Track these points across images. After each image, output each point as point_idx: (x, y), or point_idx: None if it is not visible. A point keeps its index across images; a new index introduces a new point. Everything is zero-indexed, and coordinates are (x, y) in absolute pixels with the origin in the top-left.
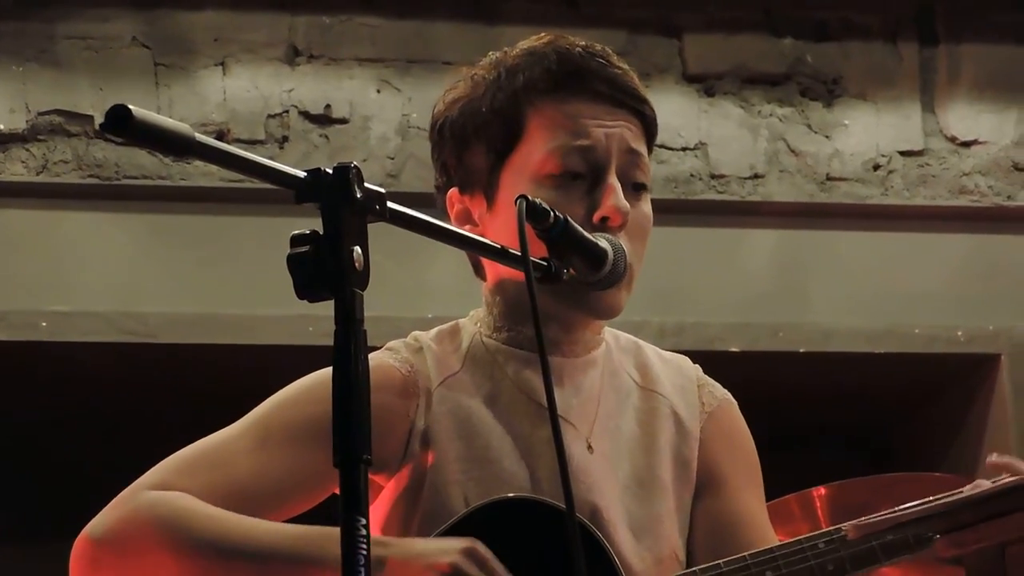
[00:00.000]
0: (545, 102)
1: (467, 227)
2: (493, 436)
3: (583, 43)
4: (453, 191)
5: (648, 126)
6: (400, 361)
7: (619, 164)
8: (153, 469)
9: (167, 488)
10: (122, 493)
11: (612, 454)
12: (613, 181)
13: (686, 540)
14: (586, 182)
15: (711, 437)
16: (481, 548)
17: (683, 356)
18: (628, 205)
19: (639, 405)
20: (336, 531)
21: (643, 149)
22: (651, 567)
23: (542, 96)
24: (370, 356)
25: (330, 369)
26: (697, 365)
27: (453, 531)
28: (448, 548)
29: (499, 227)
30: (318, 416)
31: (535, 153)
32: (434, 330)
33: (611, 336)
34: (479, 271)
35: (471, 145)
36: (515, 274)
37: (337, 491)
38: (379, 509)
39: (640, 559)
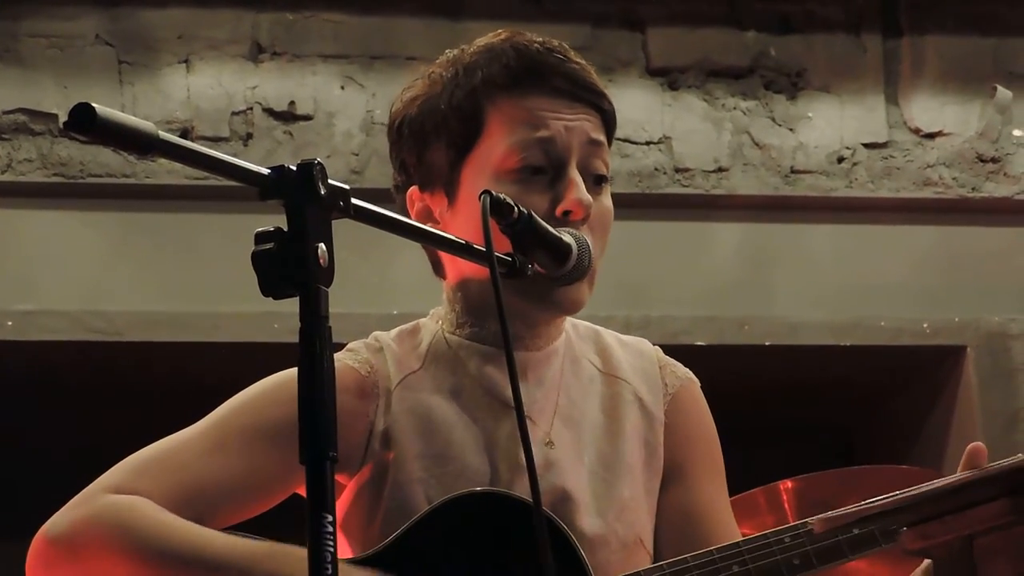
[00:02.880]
0: (504, 98)
1: (428, 225)
2: (454, 432)
3: (540, 39)
4: (413, 189)
5: (607, 120)
6: (359, 362)
7: (580, 157)
8: (112, 470)
9: (126, 490)
10: (81, 494)
11: (577, 442)
12: (574, 175)
13: (654, 525)
14: (547, 176)
15: (675, 422)
16: None
17: (642, 339)
18: (590, 199)
19: (602, 391)
20: (290, 549)
21: (603, 140)
22: (617, 552)
23: (501, 92)
24: None
25: (289, 372)
26: (657, 347)
27: (417, 528)
28: None
29: (461, 224)
30: (277, 418)
31: (495, 149)
32: (395, 329)
33: (570, 325)
34: (438, 269)
35: (430, 143)
36: (477, 270)
37: (296, 492)
38: (341, 507)
39: (606, 544)
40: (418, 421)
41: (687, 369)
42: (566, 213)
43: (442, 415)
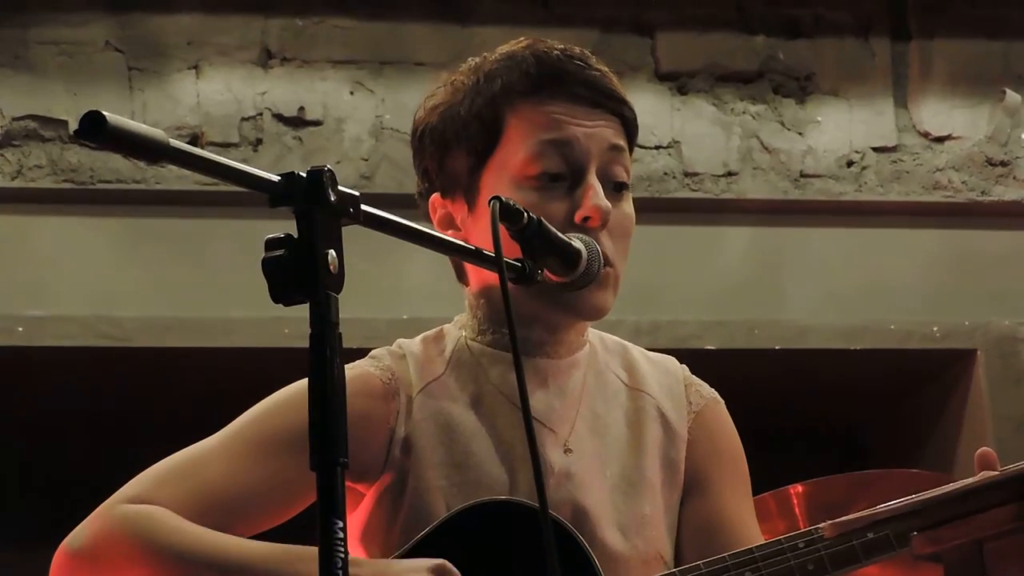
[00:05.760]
0: (524, 105)
1: (450, 231)
2: (474, 441)
3: (561, 46)
4: (435, 196)
5: (628, 127)
6: (381, 369)
7: (600, 163)
8: (130, 482)
9: (145, 501)
10: (100, 506)
11: (600, 454)
12: (593, 181)
13: (674, 542)
14: (566, 182)
15: (698, 438)
16: (451, 568)
17: (670, 356)
18: (609, 205)
19: (627, 405)
20: (309, 551)
21: (624, 146)
22: (638, 566)
23: (521, 99)
24: (353, 364)
25: (304, 381)
26: (684, 365)
27: (434, 536)
28: (418, 567)
29: (481, 230)
30: (293, 427)
31: (515, 155)
32: (419, 336)
33: (596, 337)
34: (461, 276)
35: (451, 150)
36: (497, 277)
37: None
38: (360, 515)
39: (627, 558)
40: (439, 429)
41: (713, 390)
42: (584, 219)
43: (463, 423)
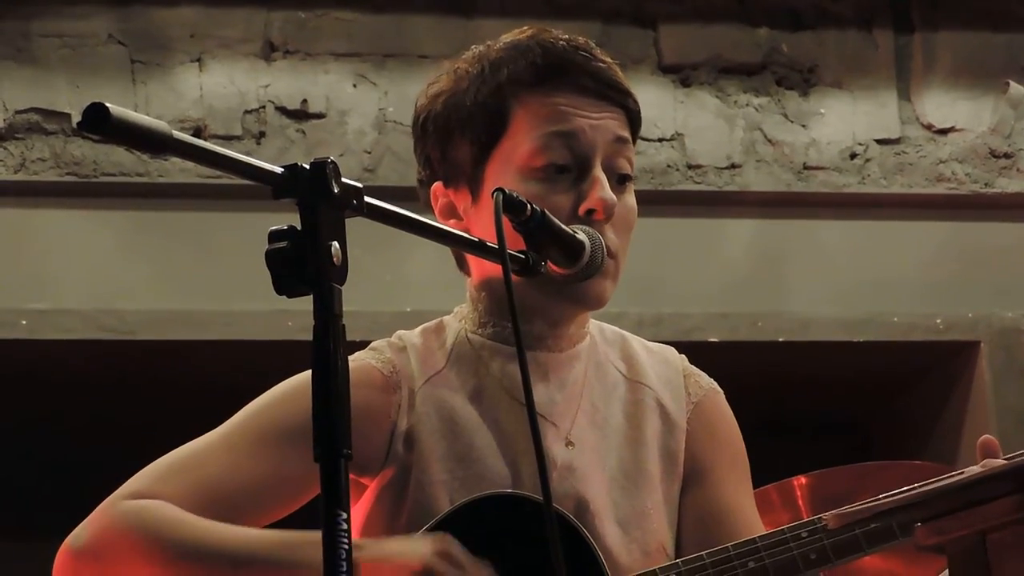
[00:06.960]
0: (529, 95)
1: (452, 221)
2: (477, 434)
3: (567, 36)
4: (437, 185)
5: (632, 119)
6: (382, 362)
7: (605, 155)
8: (132, 478)
9: (147, 495)
10: (102, 504)
11: (599, 447)
12: (599, 173)
13: (675, 533)
14: (571, 174)
15: (697, 428)
16: (454, 547)
17: (668, 346)
18: (614, 197)
19: (626, 397)
20: (312, 536)
21: (628, 138)
22: (639, 559)
23: (526, 89)
24: (354, 356)
25: (305, 374)
26: (683, 355)
27: (438, 530)
28: (420, 549)
29: (484, 220)
30: (295, 419)
31: (520, 146)
32: (419, 328)
33: (596, 328)
34: (463, 266)
35: (455, 139)
36: (499, 270)
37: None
38: (363, 508)
39: (627, 552)
40: (442, 422)
41: (712, 379)
42: (589, 212)
43: (465, 417)
